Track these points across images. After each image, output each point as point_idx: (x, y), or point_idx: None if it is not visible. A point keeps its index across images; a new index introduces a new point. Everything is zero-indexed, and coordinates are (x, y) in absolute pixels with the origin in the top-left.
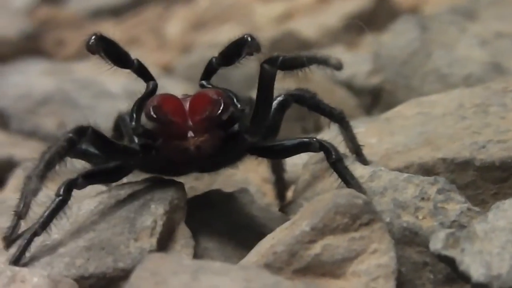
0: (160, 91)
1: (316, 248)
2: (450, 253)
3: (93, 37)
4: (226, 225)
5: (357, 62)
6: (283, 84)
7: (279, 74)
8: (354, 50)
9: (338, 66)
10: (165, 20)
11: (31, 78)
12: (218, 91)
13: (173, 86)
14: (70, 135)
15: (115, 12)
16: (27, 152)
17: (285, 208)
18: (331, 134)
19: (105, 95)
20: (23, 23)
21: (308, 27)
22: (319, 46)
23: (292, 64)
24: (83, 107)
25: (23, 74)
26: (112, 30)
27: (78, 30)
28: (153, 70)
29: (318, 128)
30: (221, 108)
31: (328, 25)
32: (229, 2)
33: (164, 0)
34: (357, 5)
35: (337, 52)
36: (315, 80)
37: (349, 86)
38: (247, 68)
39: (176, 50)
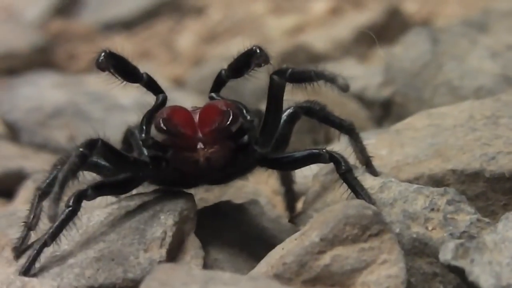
0: (171, 104)
1: (326, 258)
2: (459, 263)
3: (102, 54)
4: (236, 236)
5: (368, 74)
6: (294, 96)
7: (289, 87)
8: (366, 62)
9: (345, 88)
10: (177, 33)
11: (42, 90)
12: (227, 102)
13: (185, 99)
14: (81, 149)
15: (127, 25)
16: (38, 164)
17: (295, 219)
18: (341, 146)
19: (116, 108)
20: (35, 36)
21: (319, 39)
22: (330, 59)
23: (301, 77)
24: (94, 120)
25: (35, 87)
26: (124, 43)
27: (90, 43)
28: (164, 83)
29: (329, 140)
30: (230, 119)
31: (340, 37)
32: (241, 15)
33: (176, 13)
34: (368, 17)
35: (349, 65)
36: (326, 92)
37: (360, 98)
38: (259, 81)
39: (187, 63)
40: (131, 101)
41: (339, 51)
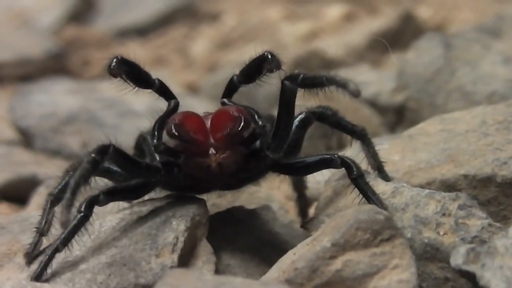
0: (186, 109)
1: (337, 263)
2: (471, 268)
3: (114, 60)
4: (248, 242)
5: (381, 80)
6: (307, 102)
7: (301, 92)
8: (379, 68)
9: (356, 93)
10: (191, 40)
11: (56, 97)
12: (239, 108)
13: (199, 105)
14: (93, 155)
15: (142, 32)
16: (51, 171)
17: (307, 224)
18: (354, 151)
19: (129, 114)
20: (49, 43)
21: (333, 46)
22: (344, 65)
23: (312, 83)
24: (108, 126)
25: (48, 93)
26: (139, 50)
27: (104, 50)
28: (179, 89)
29: (342, 146)
30: (242, 125)
31: (353, 44)
32: (255, 22)
33: (190, 20)
34: (382, 23)
35: (362, 71)
36: (340, 98)
37: (374, 104)
38: (271, 87)
39: (202, 69)
40: (144, 107)
41: (353, 57)
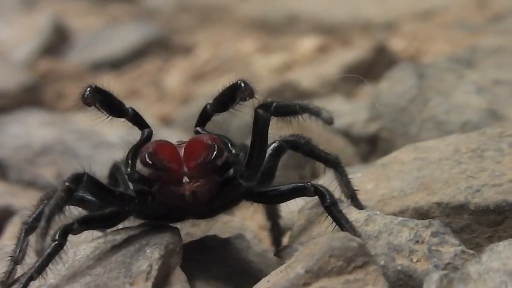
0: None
1: None
2: None
3: (88, 89)
4: (222, 270)
5: (355, 110)
6: (281, 131)
7: (276, 122)
8: (353, 99)
9: (329, 121)
10: (165, 72)
11: (30, 128)
12: (212, 136)
13: (173, 137)
14: (67, 183)
15: (116, 65)
16: (26, 201)
17: (281, 253)
18: (327, 180)
19: (103, 145)
20: (23, 75)
21: (307, 77)
22: (318, 96)
23: (286, 111)
24: (82, 157)
25: (23, 125)
26: (112, 83)
27: (78, 83)
28: (153, 121)
29: (316, 175)
30: (215, 153)
31: (327, 75)
32: (228, 54)
33: (164, 53)
34: (355, 55)
35: (336, 102)
36: (313, 128)
37: (347, 134)
38: (245, 116)
39: (175, 101)
40: (118, 138)
41: (327, 88)
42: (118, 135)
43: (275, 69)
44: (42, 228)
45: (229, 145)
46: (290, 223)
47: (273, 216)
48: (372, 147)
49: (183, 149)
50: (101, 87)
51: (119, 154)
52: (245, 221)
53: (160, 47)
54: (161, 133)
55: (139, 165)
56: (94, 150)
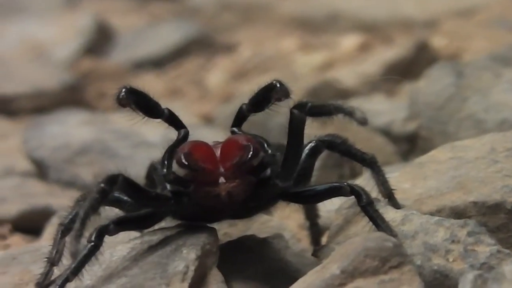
0: (198, 139)
1: None
2: None
3: (123, 90)
4: (259, 271)
5: (394, 109)
6: (321, 131)
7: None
8: (393, 97)
9: (363, 121)
10: (207, 71)
11: (69, 128)
12: (248, 137)
13: (214, 136)
14: (102, 185)
15: (157, 64)
16: (65, 202)
17: (318, 252)
18: (365, 180)
19: (143, 145)
20: (64, 75)
21: (347, 75)
22: (358, 94)
23: (320, 111)
24: (122, 157)
25: (62, 125)
26: (154, 82)
27: (119, 82)
28: (194, 120)
29: (355, 175)
30: (251, 153)
31: (368, 73)
32: (270, 53)
33: (206, 51)
34: (396, 53)
35: (376, 100)
36: (353, 128)
37: (387, 133)
38: (285, 116)
39: (217, 100)
40: (158, 138)
41: (367, 86)
42: (158, 134)
43: (316, 67)
44: (76, 230)
45: (265, 145)
46: (328, 223)
47: (311, 216)
48: (412, 145)
49: (219, 149)
50: (136, 88)
51: (158, 153)
52: (284, 221)
53: (201, 46)
54: (202, 132)
55: (175, 166)
56: (133, 150)
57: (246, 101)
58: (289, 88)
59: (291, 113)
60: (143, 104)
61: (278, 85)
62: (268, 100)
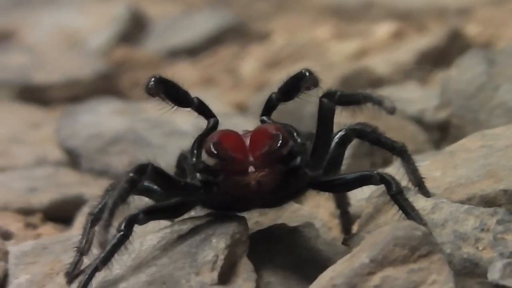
0: (232, 128)
1: (375, 280)
2: (507, 282)
3: (152, 80)
4: (289, 259)
5: (426, 97)
6: (353, 119)
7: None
8: (426, 85)
9: (391, 110)
10: (241, 59)
11: (102, 117)
12: (277, 126)
13: (247, 124)
14: (131, 174)
15: (191, 52)
16: (97, 191)
17: (348, 241)
18: (397, 169)
19: (175, 134)
20: (98, 64)
21: (381, 63)
22: (391, 83)
23: (349, 100)
24: (154, 146)
25: (95, 114)
26: (188, 70)
27: (153, 71)
28: (227, 109)
29: (387, 163)
30: (280, 142)
31: (401, 61)
32: (304, 41)
33: (240, 40)
34: (429, 41)
35: (409, 88)
36: (385, 116)
37: (419, 121)
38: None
39: (250, 88)
40: (191, 126)
41: (400, 75)
42: (190, 123)
43: (350, 55)
44: (105, 220)
45: (295, 134)
46: (359, 211)
47: (342, 204)
48: (443, 133)
49: (248, 138)
50: (165, 77)
51: (190, 143)
52: (315, 209)
53: (235, 34)
54: (236, 121)
55: (204, 155)
56: (166, 139)
57: (275, 90)
58: (318, 77)
59: (320, 102)
60: (172, 93)
61: (307, 74)
62: (298, 89)
